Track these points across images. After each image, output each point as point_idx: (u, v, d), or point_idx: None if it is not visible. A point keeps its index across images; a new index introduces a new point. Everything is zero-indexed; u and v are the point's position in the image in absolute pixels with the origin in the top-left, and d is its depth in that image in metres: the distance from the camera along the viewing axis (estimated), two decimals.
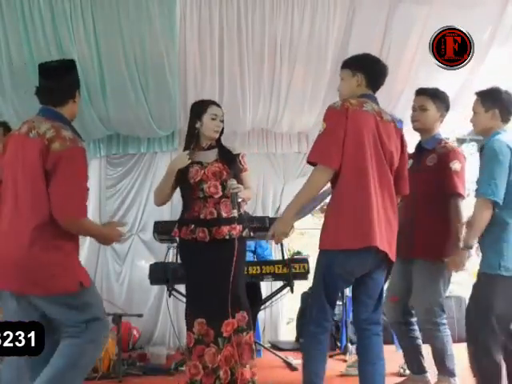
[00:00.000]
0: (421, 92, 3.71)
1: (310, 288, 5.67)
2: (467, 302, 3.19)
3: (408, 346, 3.76)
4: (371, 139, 2.88)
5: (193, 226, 3.53)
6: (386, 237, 2.87)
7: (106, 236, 2.91)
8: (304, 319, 5.43)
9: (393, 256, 2.93)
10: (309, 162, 2.96)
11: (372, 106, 2.96)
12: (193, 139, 3.65)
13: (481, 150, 3.20)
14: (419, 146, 3.77)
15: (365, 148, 2.85)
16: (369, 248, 2.80)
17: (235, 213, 3.50)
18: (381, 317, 3.05)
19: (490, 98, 3.20)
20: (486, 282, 3.04)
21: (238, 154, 3.67)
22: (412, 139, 4.04)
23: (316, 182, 2.89)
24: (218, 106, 3.71)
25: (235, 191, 3.45)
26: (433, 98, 3.62)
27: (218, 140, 3.67)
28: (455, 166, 3.54)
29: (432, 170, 3.59)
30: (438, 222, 3.51)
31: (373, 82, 3.04)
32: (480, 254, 3.16)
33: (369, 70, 3.04)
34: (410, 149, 4.04)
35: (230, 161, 3.59)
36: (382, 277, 3.01)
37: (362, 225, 2.81)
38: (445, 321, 3.58)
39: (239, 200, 3.50)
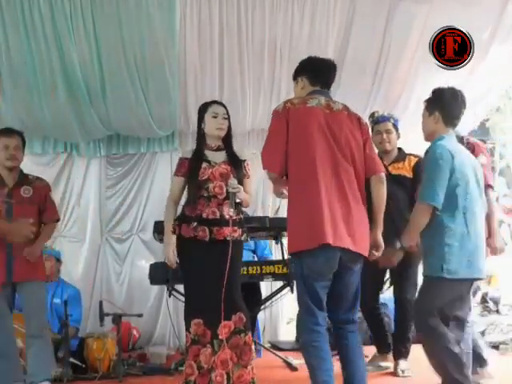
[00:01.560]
0: None
1: None
2: None
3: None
4: (319, 133, 2.86)
5: (195, 223, 3.52)
6: (346, 232, 2.80)
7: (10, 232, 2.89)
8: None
9: (360, 248, 2.86)
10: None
11: (318, 100, 2.96)
12: (200, 140, 3.68)
13: (425, 154, 3.20)
14: None
15: (312, 144, 2.85)
16: (325, 246, 2.74)
17: (235, 214, 3.49)
18: (356, 315, 3.02)
19: (432, 101, 3.21)
20: (430, 284, 3.06)
21: (244, 161, 3.69)
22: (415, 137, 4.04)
23: (274, 187, 3.11)
24: (220, 104, 3.71)
25: (234, 191, 3.45)
26: None
27: (226, 141, 3.66)
28: (482, 159, 3.57)
29: None
30: None
31: (315, 78, 3.06)
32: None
33: (307, 70, 3.08)
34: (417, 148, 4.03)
35: (237, 165, 3.61)
36: (355, 277, 2.95)
37: (313, 224, 2.78)
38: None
39: (237, 200, 3.50)
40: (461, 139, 3.67)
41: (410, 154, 4.30)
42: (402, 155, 4.29)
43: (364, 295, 4.35)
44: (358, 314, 5.02)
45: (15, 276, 3.77)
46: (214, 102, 3.76)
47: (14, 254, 3.76)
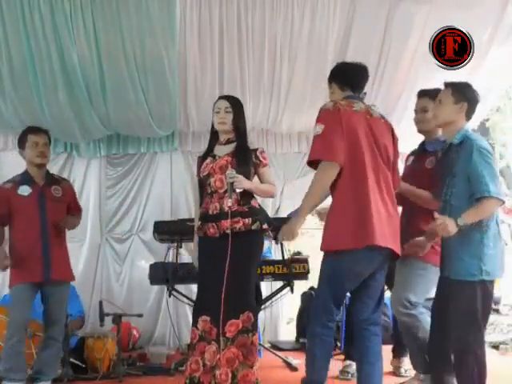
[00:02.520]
0: (423, 94, 3.68)
1: (310, 288, 5.72)
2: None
3: (414, 345, 3.73)
4: (365, 137, 2.91)
5: (200, 222, 3.57)
6: (388, 233, 2.87)
7: None
8: (305, 320, 5.50)
9: (398, 250, 2.94)
10: (310, 162, 2.95)
11: (360, 105, 3.02)
12: (211, 137, 3.75)
13: (448, 147, 3.14)
14: (422, 147, 3.74)
15: (360, 147, 2.88)
16: (372, 247, 2.80)
17: (236, 205, 3.48)
18: (380, 317, 3.05)
19: (461, 90, 3.14)
20: (469, 289, 2.97)
21: (256, 149, 3.67)
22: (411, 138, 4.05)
23: (324, 179, 2.86)
24: (225, 98, 3.73)
25: (231, 180, 3.43)
26: (434, 99, 3.51)
27: (237, 132, 3.65)
28: None
29: (429, 172, 3.54)
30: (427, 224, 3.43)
31: (344, 83, 3.10)
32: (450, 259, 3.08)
33: (335, 76, 3.15)
34: (409, 148, 4.04)
35: (241, 155, 3.58)
36: (383, 277, 3.02)
37: (361, 224, 2.82)
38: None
39: (238, 191, 3.49)
40: (441, 145, 3.62)
41: None
42: None
43: None
44: None
45: (53, 274, 3.83)
46: (220, 97, 3.79)
47: (52, 253, 3.84)
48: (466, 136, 3.05)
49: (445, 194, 3.13)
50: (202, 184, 3.63)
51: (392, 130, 3.12)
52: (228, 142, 3.64)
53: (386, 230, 2.86)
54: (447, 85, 3.18)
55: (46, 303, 3.92)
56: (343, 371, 4.26)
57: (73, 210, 4.16)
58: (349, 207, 2.86)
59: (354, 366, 4.19)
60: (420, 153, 3.73)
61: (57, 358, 4.00)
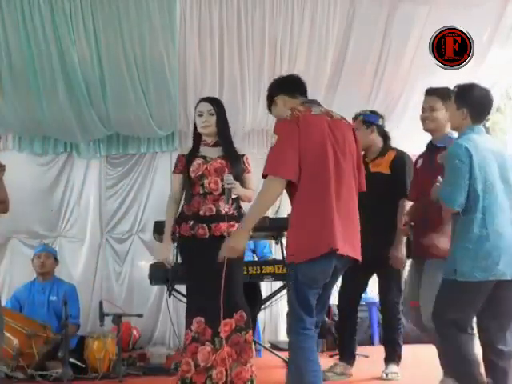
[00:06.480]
0: (431, 92, 3.62)
1: None
2: None
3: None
4: (328, 140, 2.82)
5: (192, 222, 3.53)
6: (348, 240, 2.80)
7: None
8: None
9: (357, 255, 2.86)
10: (264, 176, 2.84)
11: (319, 108, 2.93)
12: (195, 138, 3.69)
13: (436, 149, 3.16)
14: (430, 145, 3.69)
15: (323, 152, 2.80)
16: (329, 254, 2.73)
17: (231, 209, 3.49)
18: (321, 320, 3.05)
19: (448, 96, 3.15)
20: (444, 287, 2.99)
21: (243, 155, 3.67)
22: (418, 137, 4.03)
23: (271, 195, 2.84)
24: (207, 100, 3.67)
25: (229, 187, 3.42)
26: (443, 98, 3.50)
27: (222, 135, 3.63)
28: None
29: (442, 168, 3.52)
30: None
31: (295, 91, 3.02)
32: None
33: (283, 87, 3.06)
34: (419, 148, 4.00)
35: (234, 159, 3.58)
36: (336, 281, 3.01)
37: (322, 232, 2.74)
38: None
39: (233, 196, 3.49)
40: (451, 140, 3.55)
41: (393, 148, 4.21)
42: (384, 150, 4.19)
43: (343, 298, 4.26)
44: (362, 314, 4.90)
45: None
46: (202, 99, 3.72)
47: None
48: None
49: None
50: (192, 184, 3.57)
51: (353, 131, 3.01)
52: (216, 144, 3.63)
53: (346, 238, 2.78)
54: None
55: None
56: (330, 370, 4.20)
57: None
58: (311, 217, 2.78)
59: (340, 366, 4.17)
60: (430, 152, 3.65)
61: None
